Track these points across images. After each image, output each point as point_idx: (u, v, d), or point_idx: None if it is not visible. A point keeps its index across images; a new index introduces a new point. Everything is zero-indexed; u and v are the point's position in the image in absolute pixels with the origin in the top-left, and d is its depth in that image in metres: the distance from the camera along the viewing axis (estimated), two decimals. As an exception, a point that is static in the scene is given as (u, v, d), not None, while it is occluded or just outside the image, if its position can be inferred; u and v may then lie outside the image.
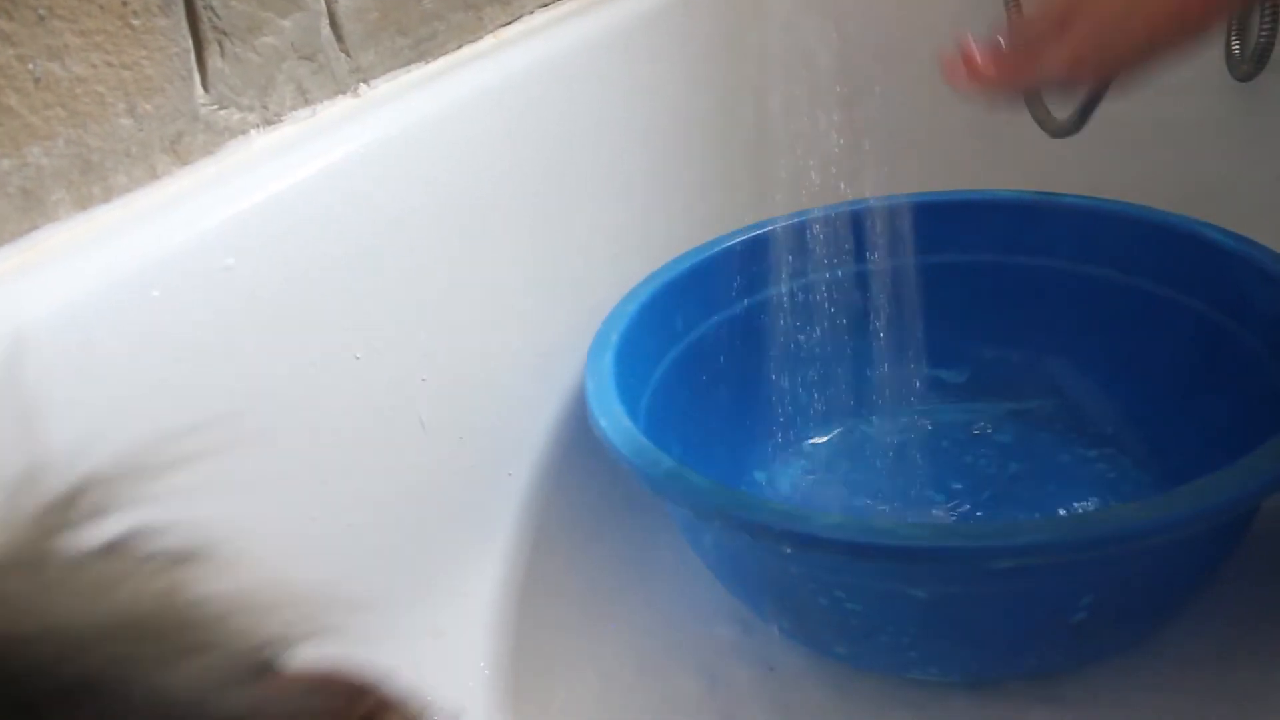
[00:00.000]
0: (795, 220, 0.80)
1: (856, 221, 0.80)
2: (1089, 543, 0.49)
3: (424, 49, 0.69)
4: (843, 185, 0.98)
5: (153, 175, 0.54)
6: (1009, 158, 0.95)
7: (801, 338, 0.81)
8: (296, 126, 0.61)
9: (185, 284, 0.50)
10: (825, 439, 0.83)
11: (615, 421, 0.61)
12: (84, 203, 0.51)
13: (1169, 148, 0.81)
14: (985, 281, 0.80)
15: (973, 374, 0.83)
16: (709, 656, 0.68)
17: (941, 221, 0.80)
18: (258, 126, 0.59)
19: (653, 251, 0.79)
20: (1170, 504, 0.49)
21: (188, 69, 0.55)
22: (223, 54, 0.56)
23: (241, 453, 0.53)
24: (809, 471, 0.80)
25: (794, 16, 0.96)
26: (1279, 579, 0.64)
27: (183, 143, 0.55)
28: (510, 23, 0.75)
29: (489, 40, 0.73)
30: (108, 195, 0.52)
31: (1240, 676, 0.60)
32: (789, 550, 0.55)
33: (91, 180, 0.51)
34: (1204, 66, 0.77)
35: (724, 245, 0.78)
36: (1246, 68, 0.77)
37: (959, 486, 0.76)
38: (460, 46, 0.72)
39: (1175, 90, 0.75)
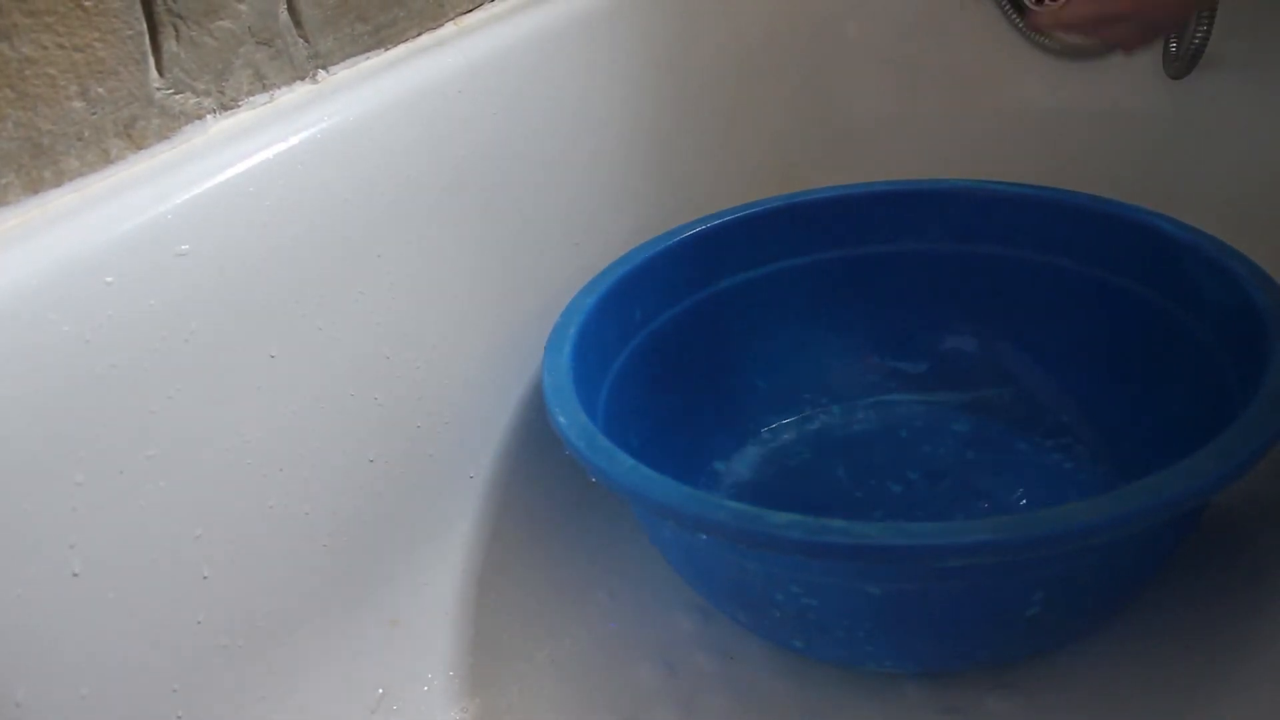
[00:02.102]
0: (754, 210, 0.80)
1: (814, 211, 0.81)
2: (1039, 541, 0.49)
3: (384, 35, 0.68)
4: (800, 175, 0.98)
5: (106, 159, 0.53)
6: (961, 148, 0.96)
7: (760, 328, 0.82)
8: (254, 112, 0.60)
9: (139, 269, 0.50)
10: (784, 429, 0.83)
11: (573, 418, 0.61)
12: (35, 186, 0.50)
13: (1104, 140, 0.83)
14: (944, 271, 0.81)
15: (931, 364, 0.84)
16: (668, 645, 0.68)
17: (899, 211, 0.81)
18: (214, 112, 0.59)
19: (612, 241, 0.79)
20: (1119, 502, 0.49)
21: (142, 52, 0.54)
22: (178, 37, 0.56)
23: (197, 442, 0.53)
24: (768, 461, 0.80)
25: (754, 8, 0.96)
26: (1230, 567, 0.65)
27: (137, 127, 0.54)
28: (472, 10, 0.75)
29: (450, 28, 0.73)
30: (59, 179, 0.51)
31: (1192, 663, 0.61)
32: (744, 548, 0.56)
33: (42, 164, 0.50)
34: (1141, 65, 0.79)
35: (683, 235, 0.78)
36: (1179, 66, 0.80)
37: (916, 476, 0.77)
38: (420, 34, 0.71)
39: (1114, 86, 0.77)
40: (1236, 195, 0.81)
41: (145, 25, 0.54)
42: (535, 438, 0.74)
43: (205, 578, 0.54)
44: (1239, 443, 0.52)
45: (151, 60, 0.55)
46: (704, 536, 0.57)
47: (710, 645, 0.68)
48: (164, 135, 0.56)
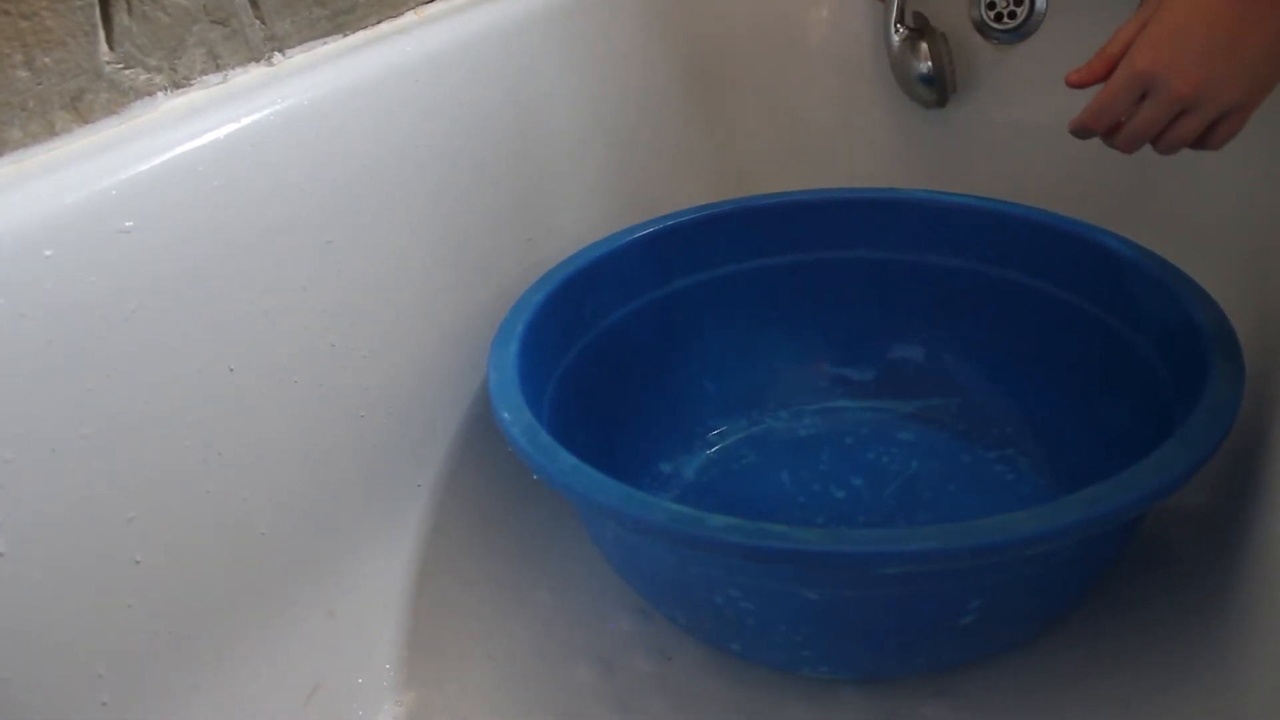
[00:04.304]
0: (706, 212, 0.80)
1: (768, 215, 0.81)
2: (977, 550, 0.49)
3: (342, 21, 0.68)
4: (756, 179, 0.99)
5: (51, 132, 0.52)
6: (917, 158, 0.97)
7: (710, 330, 0.82)
8: (206, 91, 0.59)
9: (80, 245, 0.49)
10: (731, 432, 0.83)
11: (516, 414, 0.61)
12: (-25, 155, 0.49)
13: (1059, 156, 0.85)
14: (894, 280, 0.82)
15: (879, 372, 0.84)
16: (606, 645, 0.68)
17: (853, 218, 0.81)
18: (165, 89, 0.58)
19: (566, 238, 0.79)
20: (1056, 513, 0.50)
21: (92, 24, 0.53)
22: (130, 11, 0.55)
23: (134, 423, 0.52)
24: (713, 464, 0.80)
25: (715, 11, 0.96)
26: (1165, 578, 0.66)
27: (84, 100, 0.53)
28: (432, 0, 0.74)
29: (410, 17, 0.73)
30: None
31: (1129, 672, 0.62)
32: (683, 551, 0.56)
33: (-16, 133, 0.49)
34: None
35: (636, 235, 0.78)
36: None
37: (860, 482, 0.77)
38: (380, 21, 0.71)
39: (1070, 102, 0.78)
40: (1182, 215, 0.83)
41: (96, -3, 0.53)
42: (481, 433, 0.74)
43: (137, 562, 0.53)
44: (1176, 457, 0.52)
45: (102, 33, 0.54)
46: (643, 538, 0.57)
47: (649, 645, 0.68)
48: (112, 110, 0.55)
